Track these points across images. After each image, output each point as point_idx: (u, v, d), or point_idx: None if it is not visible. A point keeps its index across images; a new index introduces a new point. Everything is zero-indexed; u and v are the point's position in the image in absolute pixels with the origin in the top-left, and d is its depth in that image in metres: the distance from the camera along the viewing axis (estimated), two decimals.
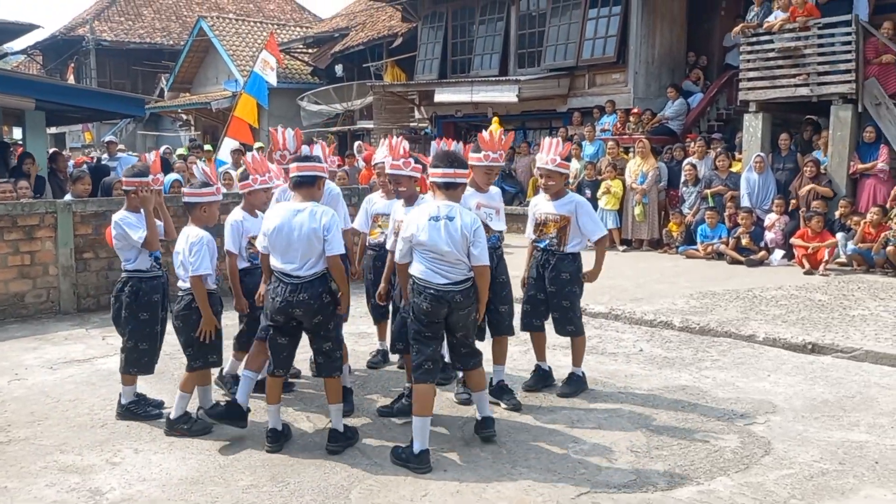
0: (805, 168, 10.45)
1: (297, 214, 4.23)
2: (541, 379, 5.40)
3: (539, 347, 5.42)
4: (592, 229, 5.20)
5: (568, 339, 5.42)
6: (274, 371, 4.37)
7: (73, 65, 30.35)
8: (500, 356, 5.15)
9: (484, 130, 5.08)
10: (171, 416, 4.58)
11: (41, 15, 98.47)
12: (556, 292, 5.20)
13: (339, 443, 4.32)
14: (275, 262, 4.27)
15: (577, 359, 5.37)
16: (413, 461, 4.07)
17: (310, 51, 25.57)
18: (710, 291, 8.41)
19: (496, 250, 4.99)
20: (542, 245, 5.25)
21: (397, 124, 19.24)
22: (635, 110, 13.40)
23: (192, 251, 4.48)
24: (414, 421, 4.14)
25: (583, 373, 5.38)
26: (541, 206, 5.27)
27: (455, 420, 4.79)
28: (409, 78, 19.18)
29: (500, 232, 5.04)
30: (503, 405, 4.96)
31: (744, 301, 7.91)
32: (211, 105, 24.43)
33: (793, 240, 10.02)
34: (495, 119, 14.56)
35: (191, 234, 4.55)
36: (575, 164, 12.74)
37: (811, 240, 9.73)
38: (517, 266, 5.57)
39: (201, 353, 4.55)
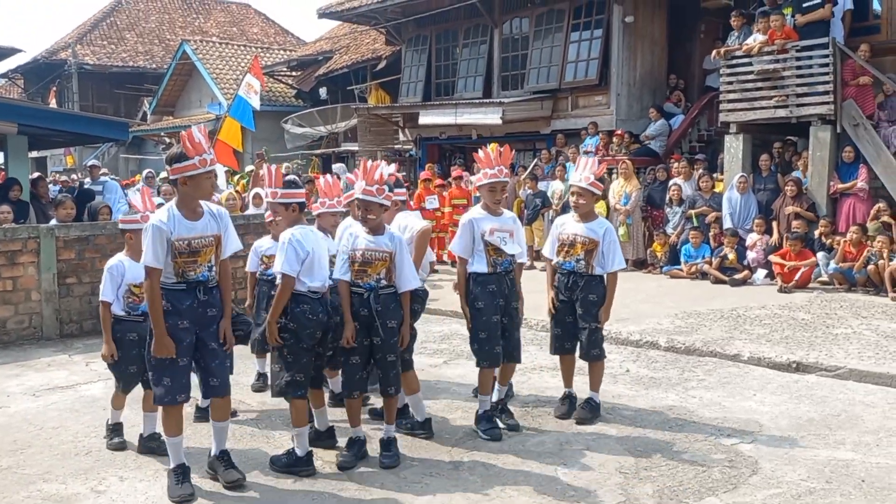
0: (786, 188, 10.59)
1: (316, 235, 4.45)
2: (573, 405, 5.28)
3: (569, 372, 5.34)
4: (613, 259, 5.14)
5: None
6: (304, 395, 4.40)
7: (54, 88, 30.29)
8: (505, 378, 5.12)
9: (480, 150, 5.02)
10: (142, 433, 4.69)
11: (23, 39, 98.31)
12: (585, 315, 5.13)
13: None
14: (309, 285, 4.29)
15: (595, 384, 5.25)
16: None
17: (294, 74, 25.66)
18: (695, 311, 8.47)
19: (508, 274, 4.93)
20: (568, 267, 5.16)
21: (382, 146, 19.30)
22: (618, 132, 13.53)
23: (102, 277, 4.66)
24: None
25: (599, 400, 5.29)
26: (569, 226, 5.20)
27: (443, 442, 4.77)
28: (393, 100, 19.28)
29: (513, 256, 4.96)
30: (501, 425, 4.95)
31: (728, 320, 7.96)
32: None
33: (771, 257, 10.14)
34: (493, 144, 14.66)
35: (110, 260, 4.72)
36: (559, 185, 12.84)
37: (792, 259, 9.85)
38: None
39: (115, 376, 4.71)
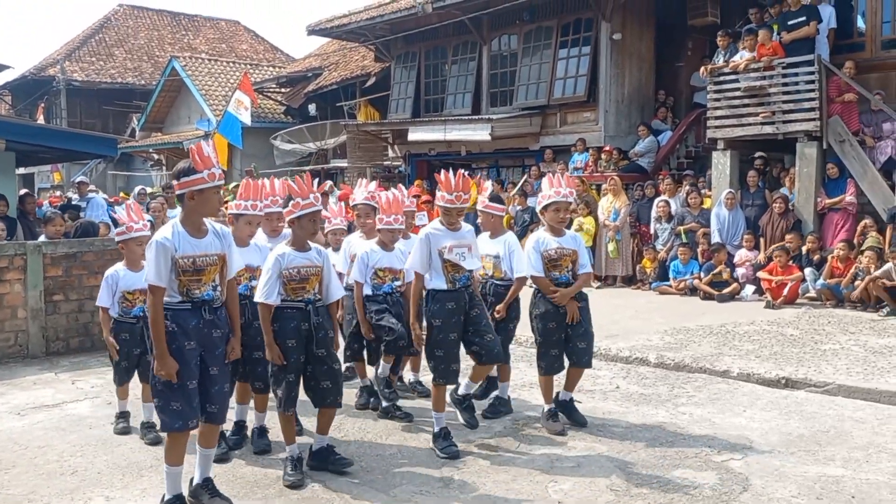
0: (774, 205, 10.66)
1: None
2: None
3: (552, 388, 5.39)
4: (586, 262, 5.43)
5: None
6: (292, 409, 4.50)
7: (42, 105, 30.18)
8: (477, 376, 5.16)
9: (442, 172, 5.03)
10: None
11: (11, 55, 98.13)
12: (582, 322, 5.27)
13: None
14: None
15: (575, 386, 5.50)
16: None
17: (283, 90, 25.68)
18: (684, 327, 8.48)
19: (467, 288, 4.98)
20: (563, 280, 5.25)
21: (371, 163, 19.32)
22: (607, 148, 13.60)
23: None
24: None
25: None
26: (550, 241, 5.28)
27: (433, 460, 4.74)
28: (382, 117, 19.32)
29: (471, 271, 5.01)
30: (461, 419, 5.04)
31: (717, 336, 7.98)
32: (183, 145, 24.36)
33: (759, 273, 10.19)
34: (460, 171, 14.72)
35: (109, 269, 5.32)
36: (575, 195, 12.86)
37: (778, 274, 9.90)
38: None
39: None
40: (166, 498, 3.94)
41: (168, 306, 3.82)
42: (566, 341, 5.27)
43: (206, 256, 3.89)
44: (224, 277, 4.00)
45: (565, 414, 5.38)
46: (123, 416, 5.36)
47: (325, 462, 4.54)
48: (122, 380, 5.32)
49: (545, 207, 5.25)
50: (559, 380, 5.41)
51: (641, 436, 5.17)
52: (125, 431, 5.28)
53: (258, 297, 4.37)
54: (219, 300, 3.98)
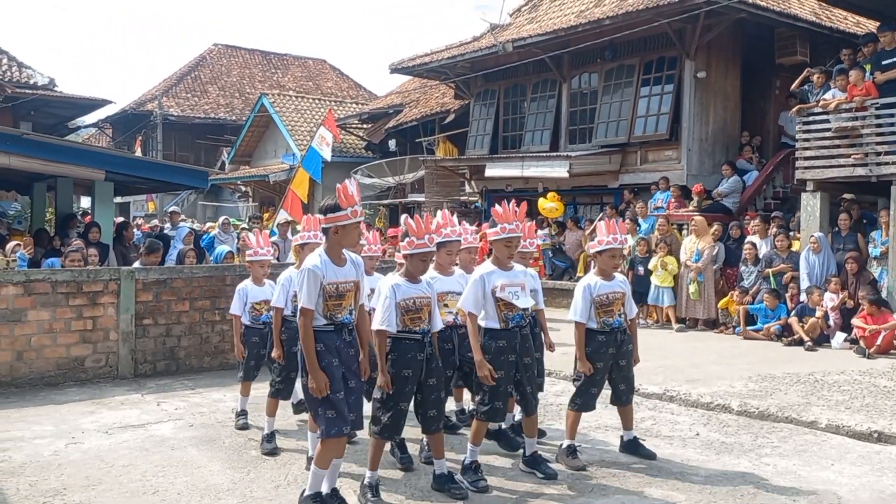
0: (846, 265, 10.24)
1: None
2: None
3: (577, 425, 5.44)
4: (633, 307, 5.49)
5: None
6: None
7: (140, 138, 31.83)
8: (531, 430, 5.14)
9: (498, 205, 5.08)
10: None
11: (113, 91, 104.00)
12: (628, 364, 5.40)
13: None
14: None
15: (632, 421, 5.60)
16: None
17: (364, 126, 26.33)
18: (770, 374, 8.16)
19: (521, 329, 4.95)
20: (616, 325, 5.31)
21: (448, 198, 19.50)
22: (697, 187, 13.27)
23: None
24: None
25: None
26: (601, 286, 5.30)
27: (505, 499, 4.68)
28: (460, 153, 19.53)
29: (526, 309, 4.97)
30: (539, 474, 4.99)
31: (805, 385, 7.65)
32: (269, 178, 25.21)
33: (854, 320, 9.72)
34: (552, 194, 14.69)
35: (240, 284, 6.24)
36: (629, 240, 12.70)
37: (871, 322, 9.43)
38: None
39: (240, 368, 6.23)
40: (306, 493, 4.29)
41: (315, 328, 4.18)
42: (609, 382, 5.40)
43: (347, 283, 4.26)
44: (357, 302, 4.34)
45: (633, 452, 5.47)
46: (244, 413, 6.10)
47: (442, 487, 4.67)
48: (247, 377, 6.06)
49: (600, 252, 5.31)
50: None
51: (722, 485, 4.97)
52: (245, 427, 6.02)
53: (376, 325, 4.53)
54: (353, 323, 4.35)
